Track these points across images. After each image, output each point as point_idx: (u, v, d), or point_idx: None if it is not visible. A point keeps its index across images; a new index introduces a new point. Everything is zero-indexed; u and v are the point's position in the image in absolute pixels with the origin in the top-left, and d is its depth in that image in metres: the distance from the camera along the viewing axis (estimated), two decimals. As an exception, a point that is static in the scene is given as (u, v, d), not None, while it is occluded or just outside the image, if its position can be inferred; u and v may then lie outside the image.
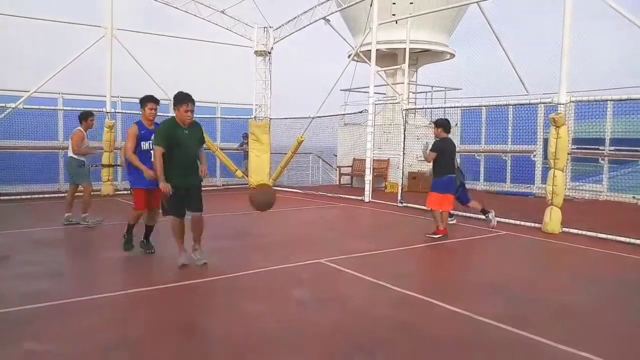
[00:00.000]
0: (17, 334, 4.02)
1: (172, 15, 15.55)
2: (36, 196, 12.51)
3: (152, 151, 6.07)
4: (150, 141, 6.27)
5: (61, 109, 13.73)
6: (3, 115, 12.46)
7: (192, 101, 5.91)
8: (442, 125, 8.32)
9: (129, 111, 13.28)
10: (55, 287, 5.37)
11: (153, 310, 4.63)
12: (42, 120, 13.53)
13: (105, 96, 13.52)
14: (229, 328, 4.24)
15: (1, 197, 12.20)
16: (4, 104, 12.52)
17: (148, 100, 6.64)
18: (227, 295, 5.12)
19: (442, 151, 8.15)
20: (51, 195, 12.78)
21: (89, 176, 8.86)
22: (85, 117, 8.79)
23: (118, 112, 13.91)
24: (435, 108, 16.00)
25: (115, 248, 6.78)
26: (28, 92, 12.68)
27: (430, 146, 8.31)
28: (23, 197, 12.34)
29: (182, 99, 5.88)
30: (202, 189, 6.14)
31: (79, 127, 8.72)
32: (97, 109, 13.21)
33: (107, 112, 13.40)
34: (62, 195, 12.52)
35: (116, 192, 13.39)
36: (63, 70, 12.94)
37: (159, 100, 6.74)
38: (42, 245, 7.33)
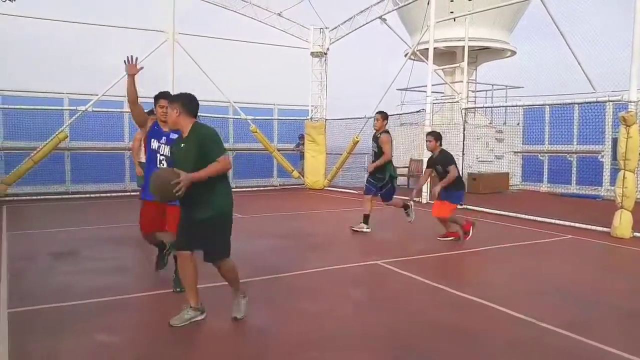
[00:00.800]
0: (87, 326, 4.23)
1: (230, 18, 15.92)
2: (104, 195, 13.16)
3: (160, 153, 5.22)
4: (162, 141, 5.24)
5: (127, 112, 14.35)
6: (74, 118, 13.16)
7: (164, 97, 5.12)
8: (441, 138, 8.14)
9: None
10: (122, 281, 5.62)
11: (213, 306, 4.75)
12: (109, 122, 14.22)
13: (167, 99, 14.02)
14: (285, 325, 4.30)
15: (72, 196, 12.92)
16: (75, 107, 13.27)
17: (158, 97, 5.51)
18: (284, 294, 5.18)
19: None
20: (118, 194, 13.40)
21: None
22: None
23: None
24: (496, 107, 15.61)
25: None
26: (97, 95, 13.32)
27: (449, 164, 7.89)
28: (92, 195, 13.01)
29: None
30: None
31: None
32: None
33: (170, 114, 13.90)
34: (128, 194, 13.13)
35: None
36: (124, 74, 13.50)
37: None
38: (110, 241, 7.68)
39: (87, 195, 12.97)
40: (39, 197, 12.38)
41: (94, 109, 13.19)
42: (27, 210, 9.86)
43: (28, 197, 12.35)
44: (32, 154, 12.21)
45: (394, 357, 3.71)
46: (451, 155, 8.00)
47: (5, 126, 13.24)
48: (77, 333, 4.06)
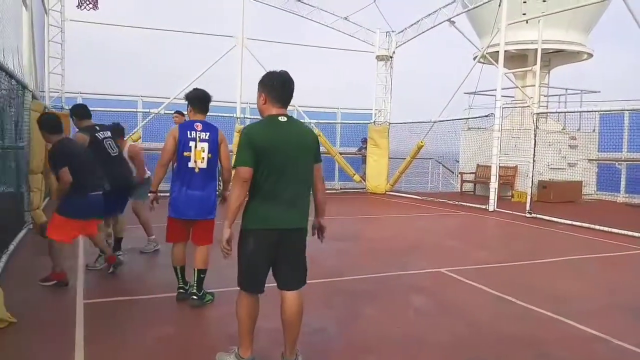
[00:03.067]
0: (159, 318, 4.42)
1: (296, 23, 16.16)
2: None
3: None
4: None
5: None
6: (147, 120, 13.80)
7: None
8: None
9: (258, 117, 14.01)
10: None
11: (274, 306, 4.82)
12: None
13: (235, 102, 14.43)
14: (345, 328, 4.29)
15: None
16: (147, 109, 13.91)
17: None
18: (345, 297, 5.17)
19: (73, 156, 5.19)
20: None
21: None
22: None
23: (247, 118, 14.73)
24: (570, 112, 14.93)
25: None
26: (168, 98, 13.89)
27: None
28: (162, 194, 13.50)
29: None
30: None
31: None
32: (228, 115, 14.19)
33: (237, 118, 14.29)
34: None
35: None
36: (199, 77, 14.01)
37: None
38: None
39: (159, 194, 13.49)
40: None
41: (166, 112, 13.75)
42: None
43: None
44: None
45: (457, 367, 3.61)
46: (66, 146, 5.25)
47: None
48: (149, 325, 4.23)
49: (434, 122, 14.95)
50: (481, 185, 15.42)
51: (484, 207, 12.39)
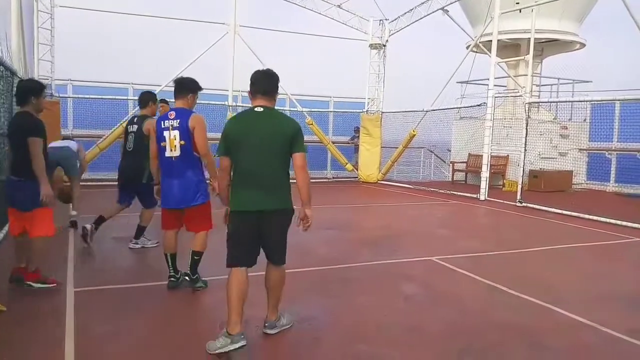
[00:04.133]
0: (147, 306, 4.41)
1: (288, 10, 16.02)
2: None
3: None
4: None
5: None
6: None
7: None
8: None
9: (250, 105, 13.93)
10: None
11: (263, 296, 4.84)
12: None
13: (227, 90, 14.33)
14: (337, 316, 4.30)
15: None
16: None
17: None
18: (337, 285, 5.18)
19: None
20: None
21: None
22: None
23: (239, 106, 14.64)
24: (562, 102, 14.98)
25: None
26: (160, 85, 13.76)
27: None
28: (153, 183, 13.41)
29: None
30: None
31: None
32: (220, 103, 14.10)
33: (230, 105, 14.20)
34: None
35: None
36: (191, 64, 13.89)
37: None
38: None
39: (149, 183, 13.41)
40: (102, 183, 12.90)
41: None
42: (91, 195, 10.28)
43: (92, 183, 12.89)
44: (99, 142, 12.76)
45: (447, 353, 3.63)
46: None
47: (76, 114, 13.91)
48: (137, 313, 4.22)
49: (427, 111, 14.94)
50: (472, 174, 15.46)
51: (475, 196, 12.44)
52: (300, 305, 4.45)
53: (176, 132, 4.61)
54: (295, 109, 15.58)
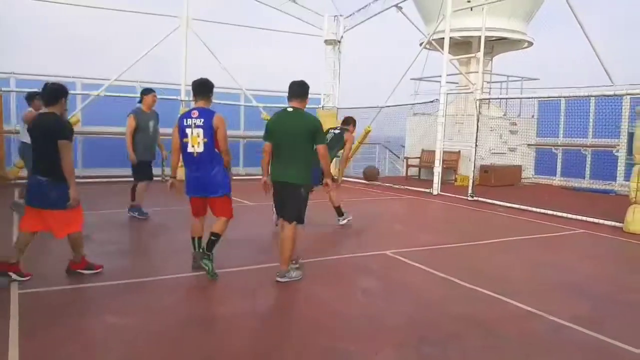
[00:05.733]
0: (100, 308, 4.27)
1: (242, 4, 15.82)
2: (116, 179, 13.17)
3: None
4: None
5: (138, 96, 14.33)
6: (87, 102, 13.20)
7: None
8: None
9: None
10: (135, 265, 5.64)
11: (226, 291, 4.78)
12: (122, 107, 14.17)
13: (180, 84, 14.02)
14: (299, 310, 4.33)
15: (84, 180, 12.95)
16: (87, 92, 13.29)
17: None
18: (296, 280, 5.16)
19: None
20: (130, 179, 13.38)
21: None
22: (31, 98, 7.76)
23: (192, 101, 14.34)
24: (511, 98, 15.41)
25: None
26: (109, 80, 13.34)
27: None
28: (104, 180, 13.04)
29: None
30: None
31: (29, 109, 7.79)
32: (172, 97, 13.78)
33: (182, 100, 13.90)
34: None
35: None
36: (141, 58, 13.50)
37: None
38: (122, 226, 7.71)
39: (99, 180, 13.01)
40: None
41: (106, 94, 13.20)
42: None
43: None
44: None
45: (406, 345, 3.69)
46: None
47: (20, 110, 13.27)
48: (88, 316, 4.08)
49: (381, 107, 15.09)
50: (426, 169, 15.75)
51: (428, 190, 12.68)
52: (262, 301, 4.43)
53: (199, 130, 5.04)
54: (251, 104, 15.43)
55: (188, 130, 5.08)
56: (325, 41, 16.72)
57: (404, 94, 16.47)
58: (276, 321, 4.10)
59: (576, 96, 12.71)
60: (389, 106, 15.11)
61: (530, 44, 16.88)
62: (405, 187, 13.63)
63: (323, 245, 6.80)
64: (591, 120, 14.52)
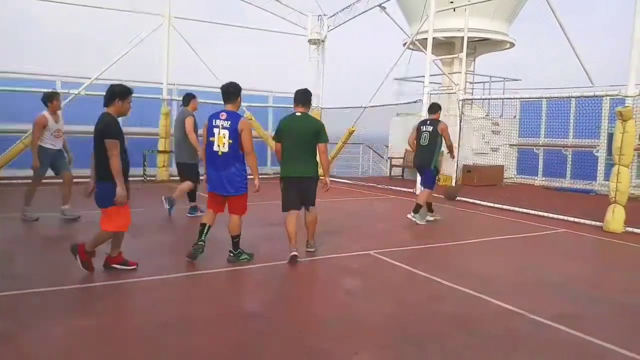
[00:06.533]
0: (73, 311, 4.22)
1: (226, 2, 15.71)
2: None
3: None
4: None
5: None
6: (67, 101, 12.97)
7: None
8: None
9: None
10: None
11: (208, 293, 4.72)
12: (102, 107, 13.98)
13: (162, 83, 13.87)
14: (281, 311, 4.29)
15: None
16: (67, 90, 13.07)
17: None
18: (280, 282, 5.16)
19: None
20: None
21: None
22: (50, 98, 7.98)
23: (174, 100, 14.22)
24: (493, 99, 15.54)
25: (167, 231, 6.91)
26: (89, 79, 13.16)
27: None
28: (84, 180, 12.81)
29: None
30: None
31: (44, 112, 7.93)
32: (154, 96, 13.63)
33: (164, 99, 13.76)
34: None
35: (170, 178, 13.73)
36: (122, 56, 13.33)
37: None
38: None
39: (79, 180, 12.80)
40: (29, 181, 12.21)
41: (87, 93, 13.01)
42: (18, 194, 9.70)
43: (19, 181, 12.17)
44: (23, 137, 12.02)
45: (389, 344, 3.68)
46: None
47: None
48: (62, 317, 4.00)
49: (365, 107, 15.12)
50: (409, 169, 15.81)
51: (411, 190, 12.72)
52: (244, 302, 4.39)
53: (226, 132, 5.38)
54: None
55: (215, 130, 5.42)
56: (309, 41, 16.70)
57: (388, 94, 16.53)
58: (257, 322, 4.06)
59: (557, 97, 12.85)
60: (373, 106, 15.13)
61: (512, 45, 17.06)
62: (389, 187, 13.67)
63: (303, 246, 6.74)
64: (572, 120, 14.71)
